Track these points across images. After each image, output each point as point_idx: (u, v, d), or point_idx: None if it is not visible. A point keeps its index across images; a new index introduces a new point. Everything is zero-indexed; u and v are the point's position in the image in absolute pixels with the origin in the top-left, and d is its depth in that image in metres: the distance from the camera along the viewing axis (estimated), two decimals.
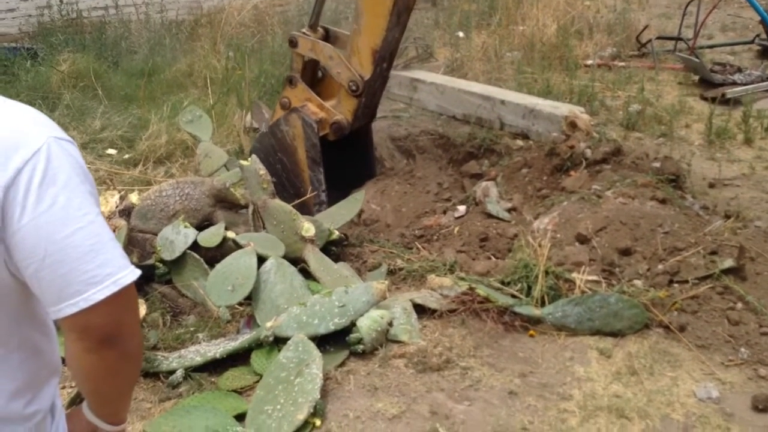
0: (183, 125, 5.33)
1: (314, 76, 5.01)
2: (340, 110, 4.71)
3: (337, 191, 4.85)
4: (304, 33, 4.88)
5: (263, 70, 7.16)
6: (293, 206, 4.36)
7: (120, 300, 1.19)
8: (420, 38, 8.71)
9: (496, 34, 8.47)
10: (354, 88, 4.54)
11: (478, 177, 5.23)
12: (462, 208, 4.74)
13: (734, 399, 2.89)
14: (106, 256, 1.19)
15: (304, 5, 9.80)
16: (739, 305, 3.33)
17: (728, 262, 3.48)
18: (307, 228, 3.87)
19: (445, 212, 4.85)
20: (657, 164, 4.63)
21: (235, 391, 3.03)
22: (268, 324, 3.24)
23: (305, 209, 4.53)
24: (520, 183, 4.97)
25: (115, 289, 1.18)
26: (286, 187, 4.72)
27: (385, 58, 4.59)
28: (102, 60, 7.75)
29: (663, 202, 4.14)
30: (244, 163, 4.16)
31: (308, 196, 4.62)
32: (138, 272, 1.23)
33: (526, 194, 4.82)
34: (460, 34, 9.03)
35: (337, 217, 4.33)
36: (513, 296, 3.49)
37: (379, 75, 4.63)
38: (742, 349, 3.14)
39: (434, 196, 5.05)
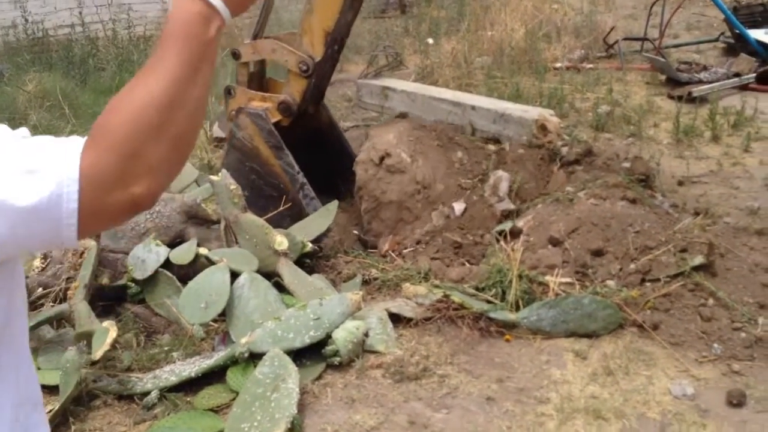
0: None
1: (261, 87, 4.94)
2: (288, 91, 4.59)
3: (329, 195, 4.68)
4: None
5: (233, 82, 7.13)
6: (276, 214, 4.35)
7: None
8: (390, 46, 8.71)
9: (465, 40, 8.51)
10: (304, 68, 4.42)
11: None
12: (458, 208, 4.47)
13: (709, 395, 2.91)
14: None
15: (273, 17, 9.78)
16: (711, 301, 3.36)
17: (698, 259, 3.51)
18: (280, 241, 3.85)
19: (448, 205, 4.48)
20: (627, 164, 4.66)
21: (211, 410, 3.00)
22: (243, 340, 3.21)
23: (296, 208, 4.47)
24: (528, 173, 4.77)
25: None
26: (268, 192, 4.62)
27: (337, 41, 4.50)
28: (69, 78, 7.67)
29: (633, 201, 4.16)
30: (214, 178, 4.13)
31: (284, 207, 4.53)
32: None
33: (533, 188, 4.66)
34: (430, 41, 9.07)
35: (310, 228, 4.31)
36: (488, 302, 3.50)
37: (330, 57, 4.53)
38: (715, 345, 3.17)
39: (459, 168, 4.70)
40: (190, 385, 3.15)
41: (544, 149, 4.95)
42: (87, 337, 3.29)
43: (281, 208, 4.43)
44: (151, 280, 3.74)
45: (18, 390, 1.29)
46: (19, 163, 0.97)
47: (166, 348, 3.45)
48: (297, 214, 4.47)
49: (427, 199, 4.49)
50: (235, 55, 4.80)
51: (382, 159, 4.54)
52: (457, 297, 3.46)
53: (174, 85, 1.02)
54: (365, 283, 3.93)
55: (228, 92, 4.82)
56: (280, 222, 4.36)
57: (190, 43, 1.04)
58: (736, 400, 2.84)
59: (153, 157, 1.00)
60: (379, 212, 4.52)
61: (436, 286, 3.61)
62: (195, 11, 1.05)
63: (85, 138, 1.00)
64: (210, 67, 1.08)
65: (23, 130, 1.09)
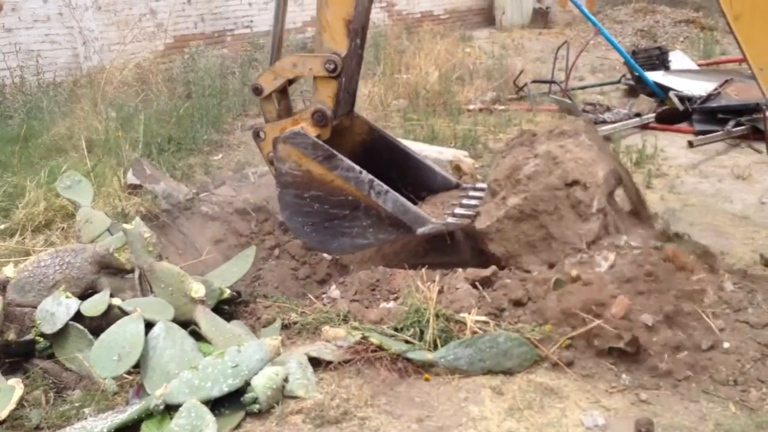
0: (61, 191, 5.12)
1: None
2: (318, 99, 4.15)
3: None
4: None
5: (149, 129, 7.04)
6: (354, 234, 4.18)
7: None
8: (307, 91, 8.81)
9: (382, 83, 8.70)
10: (332, 67, 4.01)
11: None
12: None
13: (619, 425, 3.01)
14: None
15: (189, 62, 9.74)
16: None
17: None
18: (197, 289, 3.80)
19: None
20: None
21: None
22: (158, 392, 3.13)
23: (374, 214, 4.11)
24: None
25: None
26: (339, 214, 4.17)
27: (359, 32, 4.12)
28: None
29: None
30: (127, 226, 4.06)
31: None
32: None
33: None
34: None
35: (228, 274, 4.27)
36: (407, 342, 3.53)
37: (354, 52, 4.12)
38: (624, 376, 3.29)
39: None
40: None
41: None
42: None
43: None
44: (61, 334, 3.61)
45: None
46: None
47: (77, 404, 3.32)
48: (376, 220, 4.13)
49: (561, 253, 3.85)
50: (257, 90, 4.32)
51: (573, 183, 3.85)
52: (375, 338, 3.48)
53: None
54: (285, 327, 3.91)
55: (257, 135, 4.37)
56: (364, 236, 4.13)
57: None
58: (645, 429, 2.95)
59: None
60: (523, 222, 3.93)
61: (355, 328, 3.62)
62: None
63: None
64: None
65: None
